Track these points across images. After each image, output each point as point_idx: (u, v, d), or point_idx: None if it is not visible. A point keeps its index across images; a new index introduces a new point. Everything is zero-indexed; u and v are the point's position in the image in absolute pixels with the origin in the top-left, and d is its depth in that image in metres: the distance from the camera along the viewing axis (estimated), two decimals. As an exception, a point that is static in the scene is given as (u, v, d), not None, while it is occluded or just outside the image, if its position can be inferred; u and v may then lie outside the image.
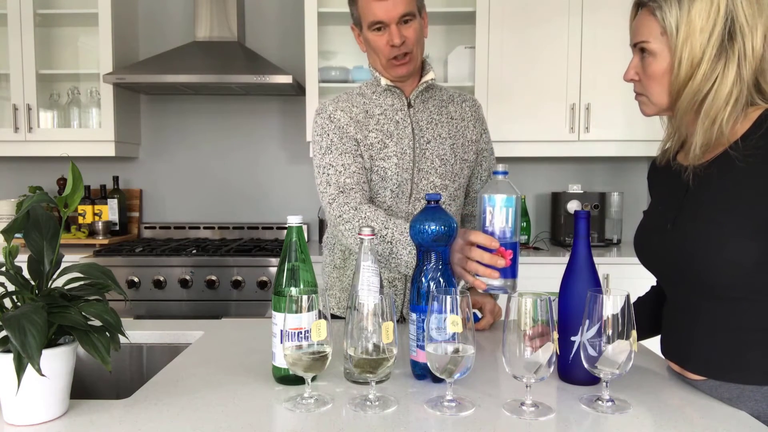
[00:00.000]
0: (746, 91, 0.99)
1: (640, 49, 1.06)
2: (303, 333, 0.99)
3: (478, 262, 1.16)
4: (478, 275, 1.17)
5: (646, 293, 1.28)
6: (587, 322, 0.96)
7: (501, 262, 1.13)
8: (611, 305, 0.94)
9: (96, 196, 3.21)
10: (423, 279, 1.10)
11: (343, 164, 1.48)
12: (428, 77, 1.56)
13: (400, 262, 1.34)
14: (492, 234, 1.15)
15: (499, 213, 1.14)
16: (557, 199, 3.12)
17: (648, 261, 1.16)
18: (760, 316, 0.99)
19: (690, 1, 0.98)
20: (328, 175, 1.48)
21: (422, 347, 1.06)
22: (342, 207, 1.44)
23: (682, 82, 1.00)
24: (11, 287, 0.93)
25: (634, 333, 0.95)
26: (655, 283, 1.26)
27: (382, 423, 0.92)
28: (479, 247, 1.15)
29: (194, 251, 2.80)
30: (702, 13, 0.97)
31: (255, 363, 1.20)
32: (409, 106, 1.56)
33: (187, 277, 2.69)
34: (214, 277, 2.68)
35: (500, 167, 1.16)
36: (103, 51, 2.97)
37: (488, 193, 1.14)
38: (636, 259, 1.20)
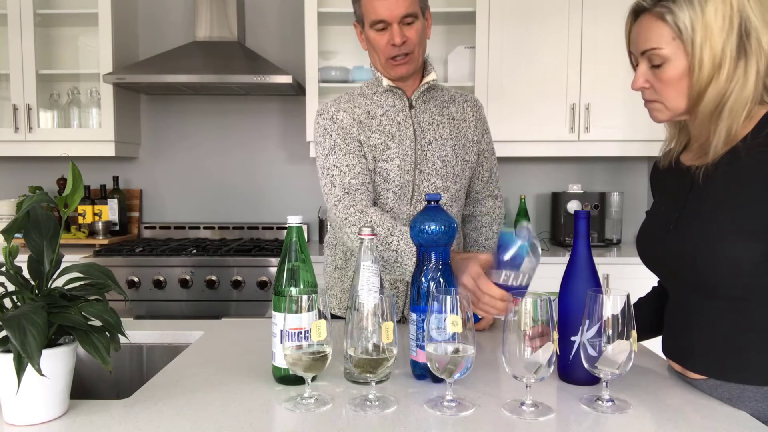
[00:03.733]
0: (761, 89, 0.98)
1: (648, 56, 1.03)
2: (303, 333, 0.99)
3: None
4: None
5: (647, 294, 1.28)
6: (587, 322, 0.96)
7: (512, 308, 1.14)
8: (611, 305, 0.94)
9: (96, 196, 3.21)
10: (423, 279, 1.10)
11: (347, 165, 1.47)
12: (430, 78, 1.55)
13: (405, 271, 1.34)
14: (506, 287, 1.15)
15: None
16: (557, 199, 3.12)
17: (650, 261, 1.16)
18: (761, 317, 0.98)
19: (701, 3, 0.96)
20: (333, 176, 1.48)
21: (422, 347, 1.06)
22: (348, 209, 1.43)
23: (705, 83, 0.98)
24: (11, 287, 0.93)
25: (634, 333, 0.95)
26: (656, 284, 1.26)
27: (382, 423, 0.92)
28: None
29: (194, 251, 2.80)
30: (717, 13, 0.95)
31: (255, 363, 1.20)
32: (411, 107, 1.56)
33: (187, 277, 2.68)
34: (214, 277, 2.68)
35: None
36: (103, 51, 2.97)
37: (509, 252, 1.13)
38: (636, 259, 1.20)
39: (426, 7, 1.52)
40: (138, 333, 1.40)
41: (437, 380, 1.08)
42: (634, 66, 1.10)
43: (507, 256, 1.13)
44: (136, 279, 2.68)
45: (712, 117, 1.00)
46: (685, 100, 1.03)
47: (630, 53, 1.10)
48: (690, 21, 0.97)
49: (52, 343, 0.93)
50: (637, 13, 1.05)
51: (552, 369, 0.95)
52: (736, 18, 0.96)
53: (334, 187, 1.46)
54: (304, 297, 1.00)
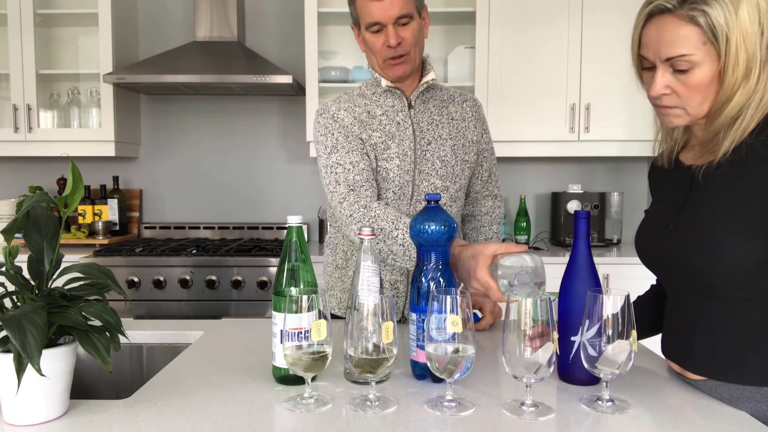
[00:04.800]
0: None
1: (672, 63, 0.98)
2: (303, 333, 0.99)
3: None
4: None
5: (646, 292, 1.28)
6: (587, 322, 0.96)
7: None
8: (611, 305, 0.94)
9: (96, 196, 3.21)
10: (423, 279, 1.10)
11: (351, 162, 1.47)
12: (429, 77, 1.55)
13: (414, 263, 1.34)
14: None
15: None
16: (557, 199, 3.12)
17: (649, 261, 1.16)
18: (761, 317, 0.98)
19: (734, 4, 0.93)
20: (336, 174, 1.47)
21: (422, 347, 1.06)
22: (352, 206, 1.42)
23: (737, 87, 0.95)
24: (11, 287, 0.93)
25: (634, 333, 0.95)
26: (654, 282, 1.26)
27: (382, 423, 0.92)
28: None
29: (194, 251, 2.80)
30: (752, 15, 0.93)
31: (255, 363, 1.20)
32: (410, 106, 1.55)
33: (187, 277, 2.68)
34: (214, 277, 2.68)
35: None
36: (103, 51, 2.97)
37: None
38: (636, 259, 1.20)
39: (422, 7, 1.51)
40: (138, 333, 1.40)
41: (437, 380, 1.08)
42: (639, 69, 1.06)
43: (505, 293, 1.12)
44: (136, 279, 2.68)
45: (733, 120, 0.98)
46: (708, 105, 1.00)
47: (639, 56, 1.04)
48: (725, 22, 0.93)
49: (52, 343, 0.93)
50: (653, 15, 0.99)
51: (552, 369, 0.95)
52: (764, 20, 0.94)
53: (339, 185, 1.46)
54: (304, 297, 1.00)
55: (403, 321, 1.54)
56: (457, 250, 1.22)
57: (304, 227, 2.80)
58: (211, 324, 1.51)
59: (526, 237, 3.16)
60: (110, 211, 3.17)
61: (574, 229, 1.10)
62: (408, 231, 1.34)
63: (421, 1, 1.51)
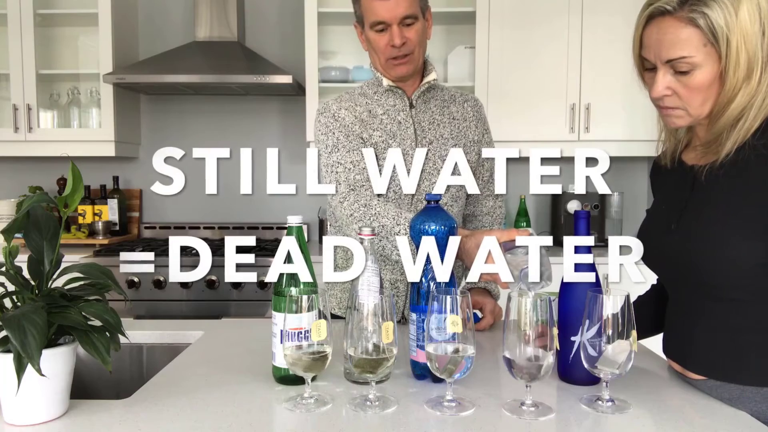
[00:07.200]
0: None
1: (673, 64, 0.98)
2: (303, 333, 0.99)
3: None
4: None
5: (646, 292, 1.28)
6: (587, 322, 0.96)
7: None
8: (611, 305, 0.94)
9: (96, 196, 3.21)
10: (423, 279, 1.10)
11: (351, 161, 1.47)
12: (430, 78, 1.55)
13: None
14: None
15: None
16: (557, 199, 3.12)
17: (651, 261, 1.15)
18: (761, 318, 0.98)
19: (734, 4, 0.92)
20: (337, 173, 1.47)
21: (422, 347, 1.06)
22: (353, 205, 1.42)
23: (739, 88, 0.95)
24: (11, 287, 0.93)
25: (634, 333, 0.95)
26: (655, 281, 1.26)
27: (382, 423, 0.92)
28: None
29: (194, 251, 2.79)
30: (752, 15, 0.93)
31: (255, 363, 1.20)
32: (411, 106, 1.55)
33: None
34: (214, 277, 2.68)
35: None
36: (103, 51, 2.97)
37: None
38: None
39: (426, 8, 1.52)
40: (138, 333, 1.40)
41: (437, 380, 1.08)
42: (641, 70, 1.06)
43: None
44: (136, 279, 2.68)
45: (735, 121, 0.98)
46: (710, 106, 0.99)
47: (641, 57, 1.04)
48: (726, 23, 0.92)
49: (52, 343, 0.93)
50: (653, 17, 0.99)
51: (552, 368, 0.95)
52: (765, 21, 0.94)
53: (339, 184, 1.46)
54: (304, 297, 1.00)
55: (403, 321, 1.54)
56: (461, 241, 1.22)
57: (304, 227, 2.80)
58: (211, 324, 1.52)
59: (526, 237, 3.16)
60: (110, 211, 3.17)
61: (574, 229, 1.10)
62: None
63: (426, 2, 1.51)
